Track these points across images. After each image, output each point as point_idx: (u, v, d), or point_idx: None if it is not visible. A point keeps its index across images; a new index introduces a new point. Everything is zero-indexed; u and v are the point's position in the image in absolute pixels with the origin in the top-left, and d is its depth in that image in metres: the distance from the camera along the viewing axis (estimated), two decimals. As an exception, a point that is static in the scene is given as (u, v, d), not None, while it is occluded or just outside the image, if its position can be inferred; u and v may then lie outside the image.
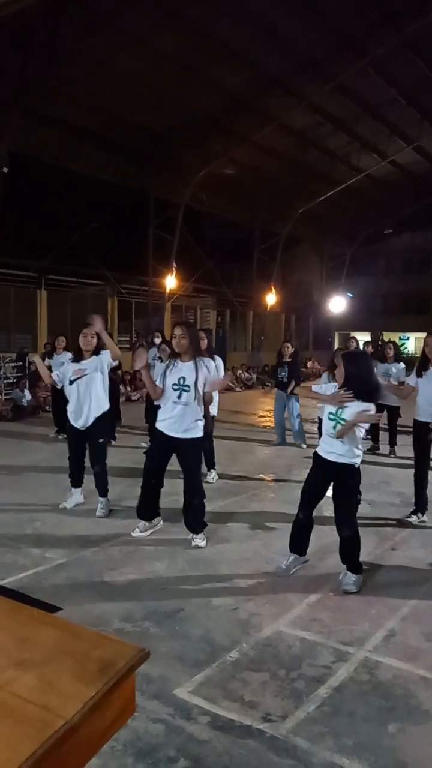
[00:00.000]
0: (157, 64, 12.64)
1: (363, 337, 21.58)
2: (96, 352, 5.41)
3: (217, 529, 4.99)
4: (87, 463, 5.64)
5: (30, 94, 12.36)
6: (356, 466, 3.98)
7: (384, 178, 21.53)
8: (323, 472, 4.05)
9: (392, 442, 8.53)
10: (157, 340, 9.95)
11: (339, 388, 3.97)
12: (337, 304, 26.23)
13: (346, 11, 12.32)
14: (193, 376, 4.56)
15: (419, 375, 5.39)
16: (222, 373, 4.83)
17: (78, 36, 11.44)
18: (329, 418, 4.00)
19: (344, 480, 3.98)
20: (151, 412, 9.56)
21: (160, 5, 11.07)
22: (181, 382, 4.56)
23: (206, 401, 4.82)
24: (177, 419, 4.56)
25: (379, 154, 19.63)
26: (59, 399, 9.15)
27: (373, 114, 17.03)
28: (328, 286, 28.21)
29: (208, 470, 6.58)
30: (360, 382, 3.90)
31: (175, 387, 4.57)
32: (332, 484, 4.03)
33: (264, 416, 12.64)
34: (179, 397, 4.56)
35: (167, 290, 19.26)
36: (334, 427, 3.94)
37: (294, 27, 12.46)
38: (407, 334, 34.41)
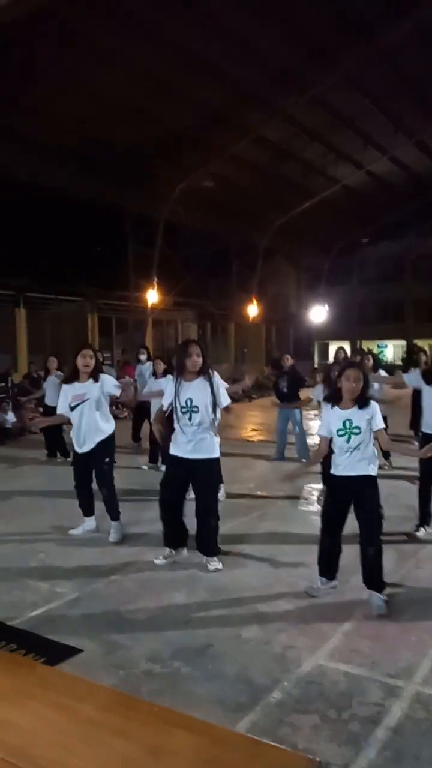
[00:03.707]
0: (131, 80, 12.57)
1: (339, 345, 21.62)
2: (95, 375, 5.15)
3: (231, 553, 4.78)
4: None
5: (3, 113, 12.15)
6: (374, 476, 3.92)
7: (360, 188, 21.72)
8: (342, 491, 3.96)
9: (386, 454, 8.39)
10: (143, 357, 9.77)
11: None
12: (317, 314, 26.29)
13: (318, 24, 12.44)
14: (201, 394, 4.38)
15: (429, 383, 5.25)
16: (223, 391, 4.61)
17: (51, 53, 11.30)
18: (339, 434, 3.91)
19: (365, 493, 3.89)
20: (138, 431, 9.39)
21: (133, 21, 10.99)
22: (189, 403, 4.37)
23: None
24: (190, 441, 4.39)
25: (354, 164, 19.80)
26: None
27: (348, 124, 17.19)
28: (307, 296, 28.30)
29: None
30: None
31: (184, 410, 4.38)
32: (353, 500, 3.91)
33: (256, 430, 12.46)
34: (190, 419, 4.37)
35: (149, 305, 19.06)
36: (348, 441, 3.88)
37: (267, 41, 12.52)
38: (385, 342, 34.70)
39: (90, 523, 5.39)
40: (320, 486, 6.70)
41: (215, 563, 4.50)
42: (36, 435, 11.12)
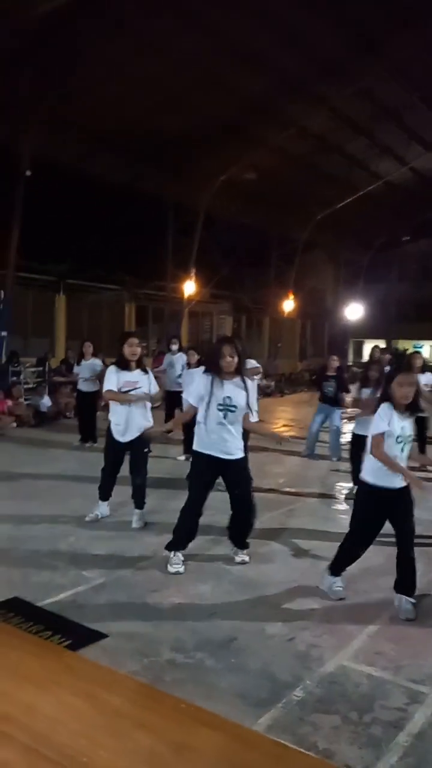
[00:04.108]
0: (177, 69, 12.52)
1: (375, 344, 21.33)
2: (142, 366, 5.27)
3: (258, 547, 4.78)
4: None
5: (51, 100, 12.28)
6: (408, 485, 3.81)
7: (402, 183, 21.33)
8: (386, 502, 3.78)
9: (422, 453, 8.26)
10: (174, 347, 9.79)
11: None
12: (354, 311, 25.95)
13: (366, 14, 12.17)
14: (240, 394, 4.34)
15: None
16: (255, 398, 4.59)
17: (98, 41, 11.35)
18: (398, 441, 3.72)
19: (407, 502, 3.80)
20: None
21: (179, 9, 10.94)
22: (227, 402, 4.30)
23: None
24: (222, 440, 4.32)
25: (397, 159, 19.44)
26: (85, 407, 9.03)
27: (393, 118, 16.85)
28: (344, 292, 27.96)
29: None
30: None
31: (221, 407, 4.30)
32: (393, 508, 3.80)
33: (287, 425, 12.40)
34: (225, 417, 4.30)
35: (185, 296, 19.10)
36: (402, 450, 3.75)
37: (314, 30, 12.31)
38: (422, 342, 34.05)
39: (105, 508, 5.49)
40: (350, 485, 6.67)
41: (243, 555, 4.52)
42: (70, 419, 11.31)
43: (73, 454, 8.59)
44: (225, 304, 23.15)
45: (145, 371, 5.29)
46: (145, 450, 5.36)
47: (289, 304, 23.21)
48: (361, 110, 16.01)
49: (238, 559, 4.49)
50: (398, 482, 3.74)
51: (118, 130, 14.34)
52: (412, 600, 3.73)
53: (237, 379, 4.36)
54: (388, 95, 15.45)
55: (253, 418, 4.52)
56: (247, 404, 4.37)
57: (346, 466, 7.04)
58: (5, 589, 3.86)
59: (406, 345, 29.93)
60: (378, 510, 3.83)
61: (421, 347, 34.03)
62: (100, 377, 8.44)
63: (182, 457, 8.04)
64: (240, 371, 4.39)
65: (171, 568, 4.29)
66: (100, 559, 4.52)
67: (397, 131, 17.52)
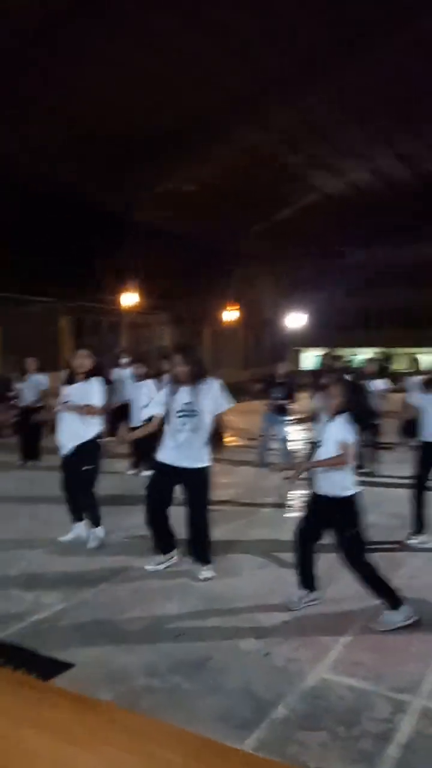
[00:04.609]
0: (120, 75, 12.36)
1: (326, 351, 21.74)
2: (88, 377, 5.03)
3: (221, 560, 4.67)
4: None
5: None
6: (345, 497, 3.69)
7: (340, 196, 21.86)
8: (314, 505, 3.88)
9: (373, 460, 8.37)
10: (124, 361, 9.60)
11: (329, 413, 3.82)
12: (295, 321, 26.39)
13: (312, 32, 12.37)
14: (198, 399, 4.27)
15: (429, 391, 5.16)
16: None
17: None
18: (317, 447, 3.83)
19: (335, 517, 3.71)
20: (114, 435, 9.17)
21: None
22: (186, 408, 4.26)
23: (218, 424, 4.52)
24: (182, 447, 4.25)
25: (336, 172, 19.91)
26: (26, 425, 8.64)
27: (334, 132, 17.22)
28: (284, 302, 28.41)
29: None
30: (353, 407, 3.79)
31: (180, 413, 4.26)
32: (326, 520, 3.78)
33: (234, 435, 12.34)
34: (184, 424, 4.25)
35: (124, 308, 18.85)
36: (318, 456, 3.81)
37: (259, 45, 12.42)
38: (362, 350, 34.98)
39: (78, 529, 5.21)
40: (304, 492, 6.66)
41: (206, 572, 4.38)
42: (5, 438, 10.81)
43: (14, 473, 8.22)
44: (165, 315, 23.02)
45: (89, 381, 5.00)
46: (84, 468, 4.99)
47: (230, 315, 23.33)
48: (302, 123, 16.23)
49: (201, 576, 4.35)
50: (317, 489, 3.77)
51: (50, 133, 13.98)
52: (393, 612, 3.59)
53: (196, 386, 4.29)
54: (330, 109, 15.71)
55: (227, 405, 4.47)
56: (209, 407, 4.31)
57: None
58: (-42, 622, 3.59)
59: (346, 353, 30.60)
60: (309, 509, 3.93)
61: (355, 356, 35.00)
62: (44, 395, 8.20)
63: (131, 472, 7.87)
64: (197, 378, 4.31)
65: (147, 566, 4.49)
66: (58, 582, 4.29)
67: (337, 144, 17.90)
